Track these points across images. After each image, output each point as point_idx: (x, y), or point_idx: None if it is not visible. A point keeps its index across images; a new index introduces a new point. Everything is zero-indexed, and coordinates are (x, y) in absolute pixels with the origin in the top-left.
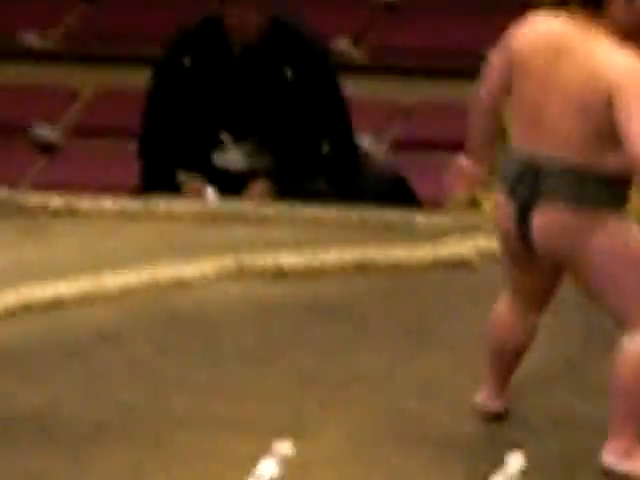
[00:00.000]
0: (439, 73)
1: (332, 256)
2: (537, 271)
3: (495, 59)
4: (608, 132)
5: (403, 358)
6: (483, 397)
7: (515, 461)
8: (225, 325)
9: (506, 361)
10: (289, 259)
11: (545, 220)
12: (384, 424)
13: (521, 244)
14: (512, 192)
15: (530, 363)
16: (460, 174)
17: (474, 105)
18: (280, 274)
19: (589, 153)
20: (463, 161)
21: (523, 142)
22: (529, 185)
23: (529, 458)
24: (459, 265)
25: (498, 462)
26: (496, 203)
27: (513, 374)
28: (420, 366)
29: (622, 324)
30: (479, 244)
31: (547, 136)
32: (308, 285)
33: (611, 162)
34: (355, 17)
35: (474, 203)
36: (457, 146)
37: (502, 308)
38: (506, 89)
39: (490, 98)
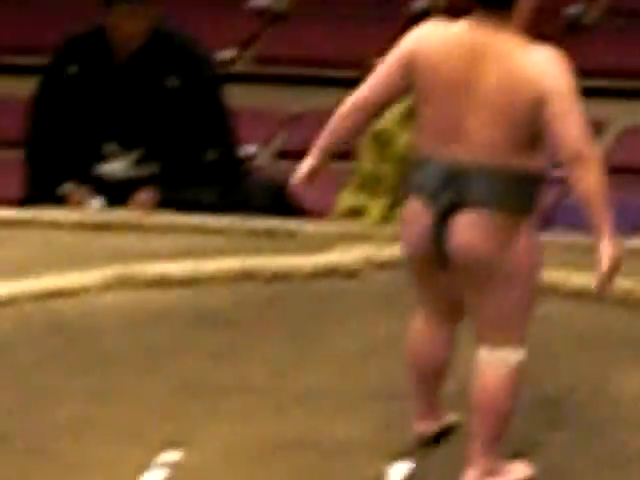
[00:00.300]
0: (325, 82)
1: (217, 265)
2: (448, 282)
3: (391, 63)
4: (531, 135)
5: (287, 367)
6: (416, 421)
7: (399, 470)
8: (109, 334)
9: (429, 380)
10: (174, 267)
11: (467, 226)
12: (268, 433)
13: (435, 254)
14: (433, 199)
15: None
16: (310, 175)
17: (348, 101)
18: (165, 282)
19: (512, 156)
20: (308, 164)
21: (440, 150)
22: (454, 191)
23: (414, 467)
24: (344, 274)
25: (382, 471)
26: (405, 215)
27: (439, 391)
28: (304, 375)
29: (488, 338)
30: (364, 253)
31: (469, 142)
32: (193, 294)
33: (530, 165)
34: (240, 26)
35: (360, 212)
36: (342, 155)
37: (418, 325)
38: (394, 94)
39: (370, 95)
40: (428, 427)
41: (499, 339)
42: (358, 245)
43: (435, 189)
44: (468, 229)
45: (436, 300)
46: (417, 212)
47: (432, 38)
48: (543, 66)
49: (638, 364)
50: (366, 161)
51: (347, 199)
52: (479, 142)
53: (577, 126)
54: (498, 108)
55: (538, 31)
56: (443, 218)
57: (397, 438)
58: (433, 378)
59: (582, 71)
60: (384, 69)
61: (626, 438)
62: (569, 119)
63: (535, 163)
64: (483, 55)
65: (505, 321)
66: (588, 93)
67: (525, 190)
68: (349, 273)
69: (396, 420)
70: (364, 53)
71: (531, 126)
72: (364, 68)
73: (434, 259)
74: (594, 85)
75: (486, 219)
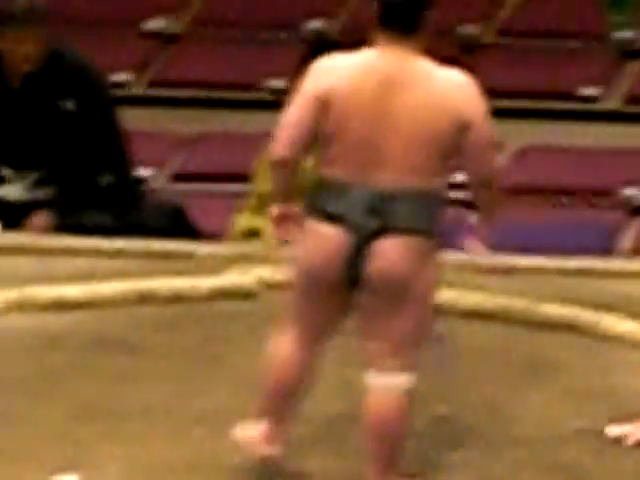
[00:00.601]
0: (220, 104)
1: (114, 287)
2: (336, 305)
3: (306, 108)
4: (447, 158)
5: (186, 388)
6: (260, 443)
7: None
8: (6, 357)
9: (288, 401)
10: (71, 291)
11: (390, 249)
12: (167, 455)
13: (345, 278)
14: (356, 226)
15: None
16: (283, 220)
17: (278, 159)
18: (63, 306)
19: (430, 179)
20: (279, 208)
21: (361, 178)
22: (380, 217)
23: None
24: (241, 295)
25: None
26: (313, 239)
27: (290, 415)
28: (203, 396)
29: (383, 363)
30: (261, 274)
31: (391, 168)
32: (90, 316)
33: (442, 187)
34: (135, 49)
35: (256, 233)
36: (238, 177)
37: (285, 346)
38: (313, 135)
39: (296, 152)
40: (273, 451)
41: (395, 363)
42: (254, 266)
43: (359, 216)
44: (391, 252)
45: (314, 324)
46: (330, 236)
47: (341, 71)
48: (466, 91)
49: (534, 383)
50: (262, 183)
51: (243, 221)
52: (401, 167)
53: (492, 153)
54: (419, 133)
55: (436, 53)
56: (365, 243)
57: (297, 456)
58: (291, 400)
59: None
60: (301, 117)
61: (523, 457)
62: (487, 146)
63: (444, 185)
64: (399, 81)
65: (406, 343)
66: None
67: (437, 212)
68: (246, 294)
69: (294, 440)
70: (258, 75)
71: (450, 149)
72: (257, 90)
73: (339, 283)
74: (489, 105)
75: (408, 242)
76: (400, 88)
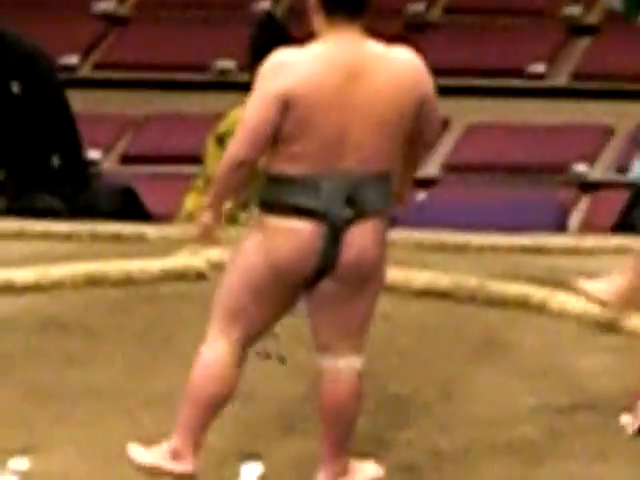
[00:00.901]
0: (168, 86)
1: (64, 270)
2: (289, 302)
3: (262, 109)
4: (406, 136)
5: (137, 371)
6: (188, 458)
7: (252, 471)
8: None
9: (215, 415)
10: (21, 274)
11: (364, 234)
12: (118, 437)
13: (317, 269)
14: (333, 216)
15: (260, 367)
16: (209, 230)
17: (243, 160)
18: (13, 289)
19: (394, 161)
20: (209, 220)
21: (331, 169)
22: (354, 205)
23: (265, 467)
24: (192, 277)
25: (234, 472)
26: (281, 235)
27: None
28: (154, 378)
29: (339, 347)
30: (210, 255)
31: (359, 155)
32: (41, 300)
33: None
34: (83, 32)
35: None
36: (186, 159)
37: (222, 358)
38: (273, 135)
39: (259, 153)
40: (189, 467)
41: (350, 347)
42: (204, 248)
43: (336, 207)
44: (364, 238)
45: (258, 325)
46: (302, 231)
47: (300, 67)
48: (418, 67)
49: (487, 361)
50: (210, 164)
51: (192, 202)
52: (368, 153)
53: (439, 118)
54: (384, 116)
55: (381, 33)
56: (339, 232)
57: (248, 439)
58: (217, 414)
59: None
60: (264, 119)
61: (476, 435)
62: (437, 113)
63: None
64: (359, 70)
65: (362, 327)
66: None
67: (391, 192)
68: (196, 276)
69: (246, 422)
70: (207, 56)
71: (410, 126)
72: (206, 72)
73: (309, 277)
74: (438, 83)
75: (376, 226)
76: (362, 76)
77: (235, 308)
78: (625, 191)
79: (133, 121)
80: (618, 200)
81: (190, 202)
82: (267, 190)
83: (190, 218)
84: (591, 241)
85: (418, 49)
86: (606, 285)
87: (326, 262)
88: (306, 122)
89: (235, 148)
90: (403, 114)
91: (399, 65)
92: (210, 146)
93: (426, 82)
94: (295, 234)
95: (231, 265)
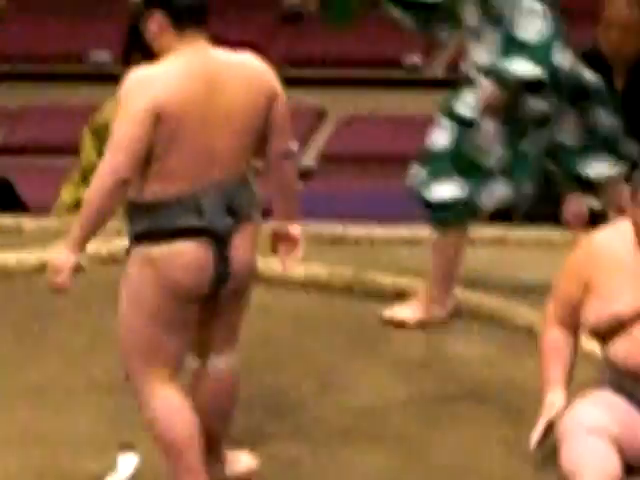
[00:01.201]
0: (43, 78)
1: None
2: (195, 322)
3: (134, 126)
4: (258, 138)
5: (13, 362)
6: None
7: (127, 463)
8: None
9: (199, 448)
10: None
11: (244, 241)
12: None
13: (212, 284)
14: (217, 230)
15: None
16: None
17: (122, 179)
18: None
19: (248, 165)
20: (63, 257)
21: (203, 184)
22: (232, 214)
23: (142, 459)
24: None
25: (111, 463)
26: (172, 261)
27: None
28: (30, 370)
29: (223, 347)
30: (88, 247)
31: (226, 164)
32: None
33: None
34: None
35: (80, 206)
36: (62, 150)
37: (173, 399)
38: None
39: (135, 171)
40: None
41: (231, 345)
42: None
43: (219, 220)
44: (245, 244)
45: (178, 354)
46: (192, 251)
47: (164, 81)
48: (264, 67)
49: (362, 352)
50: (86, 155)
51: (68, 194)
52: (235, 160)
53: (289, 126)
54: (241, 121)
55: (257, 24)
56: (226, 244)
57: (124, 431)
58: (199, 447)
59: (302, 60)
60: (137, 136)
61: (351, 427)
62: (287, 120)
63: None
64: (218, 79)
65: (239, 325)
66: (308, 82)
67: (255, 195)
68: (74, 268)
69: (122, 413)
70: (82, 47)
71: (264, 130)
72: (82, 62)
73: (208, 295)
74: (314, 74)
75: (251, 230)
76: (219, 85)
77: (151, 349)
78: None
79: (8, 113)
80: None
81: (66, 193)
82: (140, 219)
83: (67, 210)
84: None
85: (294, 41)
86: (412, 309)
87: (220, 274)
88: (177, 136)
89: (113, 166)
90: (260, 114)
91: (248, 71)
92: (86, 138)
93: (274, 81)
94: (186, 256)
95: (126, 310)
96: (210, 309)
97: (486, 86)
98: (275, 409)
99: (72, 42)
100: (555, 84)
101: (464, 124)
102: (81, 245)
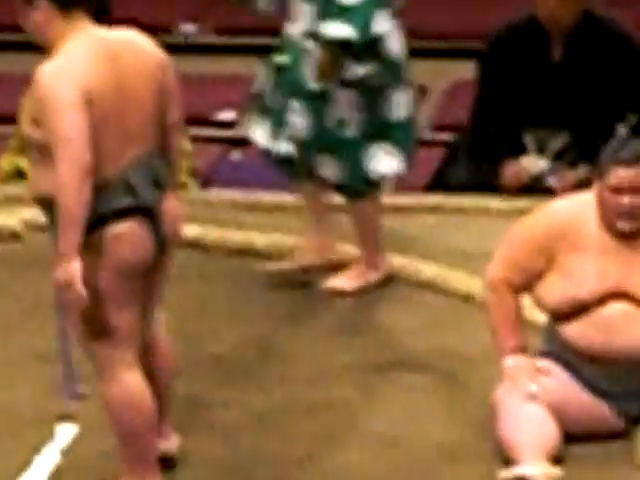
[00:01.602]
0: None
1: None
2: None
3: (76, 115)
4: (160, 112)
5: None
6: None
7: (66, 432)
8: None
9: (155, 433)
10: None
11: (169, 206)
12: None
13: (155, 258)
14: (149, 203)
15: None
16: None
17: (85, 168)
18: None
19: (158, 137)
20: (67, 269)
21: (126, 160)
22: (159, 185)
23: (80, 428)
24: (6, 236)
25: (49, 432)
26: (118, 237)
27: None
28: None
29: (156, 314)
30: (26, 215)
31: (144, 139)
32: None
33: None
34: None
35: (21, 174)
36: (2, 119)
37: (135, 381)
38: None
39: (92, 158)
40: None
41: (158, 308)
42: (19, 208)
43: (147, 195)
44: (171, 207)
45: (136, 329)
46: (130, 232)
47: (81, 67)
48: (152, 45)
49: (303, 320)
50: (26, 124)
51: (8, 162)
52: (149, 133)
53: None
54: (150, 94)
55: None
56: (157, 215)
57: (62, 401)
58: (154, 437)
59: None
60: (78, 123)
61: (294, 395)
62: (177, 89)
63: None
64: (115, 55)
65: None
66: None
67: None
68: (11, 236)
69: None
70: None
71: (160, 101)
72: (21, 31)
73: (151, 263)
74: None
75: (172, 194)
76: (120, 63)
77: (112, 329)
78: (439, 150)
79: None
80: (433, 159)
81: (5, 162)
82: None
83: (6, 178)
84: (405, 199)
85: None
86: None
87: (159, 244)
88: (103, 118)
89: (71, 158)
90: (157, 90)
91: (139, 46)
92: (25, 106)
93: (163, 56)
94: (129, 236)
95: (84, 298)
96: (149, 278)
97: (314, 51)
98: (217, 378)
99: (10, 10)
100: (375, 51)
101: (317, 98)
102: (77, 247)
